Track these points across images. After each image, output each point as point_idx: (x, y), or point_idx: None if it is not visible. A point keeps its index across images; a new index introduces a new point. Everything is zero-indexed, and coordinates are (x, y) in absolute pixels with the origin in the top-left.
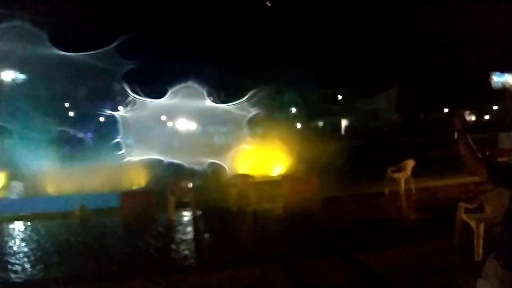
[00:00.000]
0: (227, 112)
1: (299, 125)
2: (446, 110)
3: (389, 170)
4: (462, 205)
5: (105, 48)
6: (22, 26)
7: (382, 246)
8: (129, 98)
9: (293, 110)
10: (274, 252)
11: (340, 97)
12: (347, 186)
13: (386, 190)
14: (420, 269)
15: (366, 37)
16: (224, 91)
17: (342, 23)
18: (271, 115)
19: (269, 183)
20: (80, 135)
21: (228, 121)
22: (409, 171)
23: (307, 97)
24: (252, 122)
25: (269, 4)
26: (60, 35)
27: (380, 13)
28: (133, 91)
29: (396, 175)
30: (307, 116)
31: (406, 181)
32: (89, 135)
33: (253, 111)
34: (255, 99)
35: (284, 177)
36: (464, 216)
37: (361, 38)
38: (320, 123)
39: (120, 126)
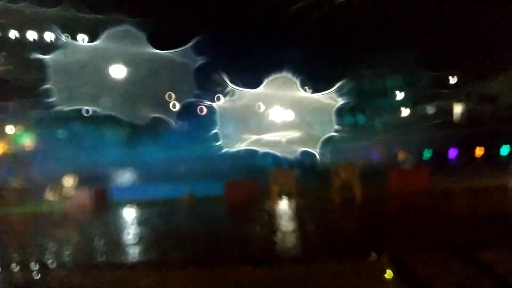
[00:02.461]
0: (320, 100)
1: (405, 112)
2: None
3: None
4: None
5: (192, 43)
6: (128, 29)
7: (506, 245)
8: (228, 88)
9: (398, 95)
10: (383, 245)
11: (452, 80)
12: (463, 178)
13: (510, 184)
14: None
15: (479, 9)
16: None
17: None
18: (372, 101)
19: (374, 174)
20: (177, 125)
21: (323, 110)
22: None
23: (413, 81)
24: (348, 110)
25: None
26: (154, 35)
27: None
28: (231, 82)
29: None
30: (414, 101)
31: None
32: (182, 125)
33: (347, 99)
34: (351, 85)
35: (390, 168)
36: None
37: (475, 11)
38: (430, 109)
39: (217, 117)
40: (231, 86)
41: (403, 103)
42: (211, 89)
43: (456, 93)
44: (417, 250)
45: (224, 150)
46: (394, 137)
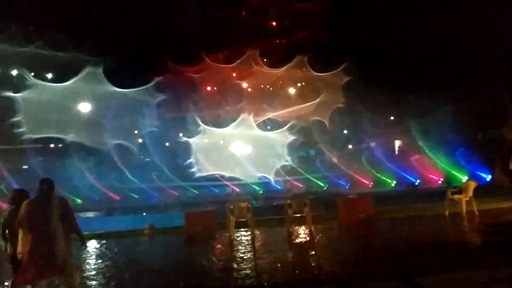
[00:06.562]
0: (275, 138)
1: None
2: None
3: (448, 191)
4: None
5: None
6: (94, 71)
7: (445, 270)
8: (200, 127)
9: (345, 132)
10: (331, 274)
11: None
12: (404, 208)
13: (446, 212)
14: None
15: (417, 54)
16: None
17: (390, 38)
18: (322, 138)
19: (324, 204)
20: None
21: (277, 145)
22: (470, 192)
23: (357, 120)
24: (299, 146)
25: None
26: (118, 76)
27: (433, 25)
28: (203, 122)
29: (456, 197)
30: (357, 138)
31: (468, 202)
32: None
33: (295, 136)
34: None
35: (338, 197)
36: None
37: (413, 56)
38: (372, 144)
39: (192, 150)
40: (202, 125)
41: (348, 139)
42: (185, 126)
43: (396, 130)
44: (366, 278)
45: (189, 180)
46: (340, 169)
